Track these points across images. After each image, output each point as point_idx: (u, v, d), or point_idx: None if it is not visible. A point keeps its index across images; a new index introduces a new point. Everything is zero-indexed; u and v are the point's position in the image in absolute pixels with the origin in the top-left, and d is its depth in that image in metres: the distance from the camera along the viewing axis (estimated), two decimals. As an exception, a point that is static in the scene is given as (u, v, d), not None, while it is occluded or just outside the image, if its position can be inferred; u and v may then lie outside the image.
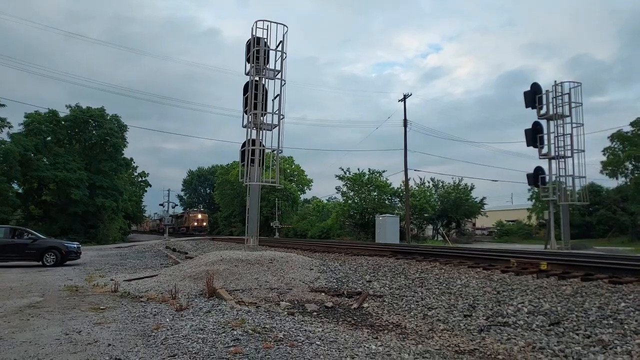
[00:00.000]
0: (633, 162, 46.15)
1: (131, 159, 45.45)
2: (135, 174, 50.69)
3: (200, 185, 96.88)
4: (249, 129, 14.40)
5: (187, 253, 17.73)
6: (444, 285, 7.42)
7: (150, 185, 53.23)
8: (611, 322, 4.60)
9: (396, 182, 43.06)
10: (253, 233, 13.63)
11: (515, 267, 8.22)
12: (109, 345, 4.34)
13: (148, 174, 52.58)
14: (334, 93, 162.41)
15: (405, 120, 34.68)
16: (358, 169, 41.82)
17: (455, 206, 41.62)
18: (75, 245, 15.44)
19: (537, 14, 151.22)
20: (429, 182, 44.49)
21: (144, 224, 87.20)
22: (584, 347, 4.08)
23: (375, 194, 41.22)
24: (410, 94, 35.61)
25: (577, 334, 4.41)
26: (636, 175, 45.62)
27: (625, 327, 4.41)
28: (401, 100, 35.26)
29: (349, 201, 41.64)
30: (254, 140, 14.27)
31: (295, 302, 6.96)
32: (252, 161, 13.92)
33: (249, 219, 13.90)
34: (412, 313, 6.06)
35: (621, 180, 47.86)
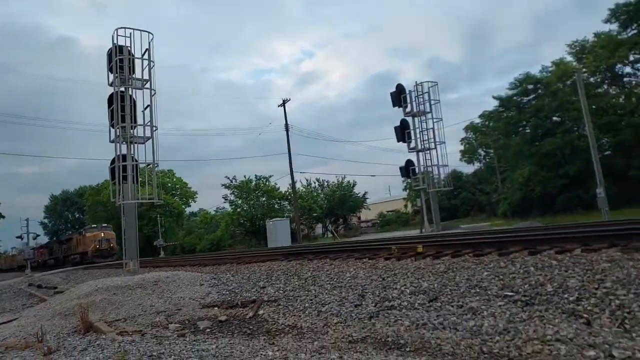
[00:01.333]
0: (484, 149, 53.22)
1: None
2: (-17, 205, 43.40)
3: (67, 209, 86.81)
4: (118, 144, 13.27)
5: (56, 287, 15.66)
6: (335, 279, 7.65)
7: (3, 217, 46.13)
8: (478, 290, 5.17)
9: (284, 185, 43.56)
10: (132, 255, 12.59)
11: (396, 253, 8.81)
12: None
13: (0, 203, 45.45)
14: (211, 101, 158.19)
15: (286, 124, 35.26)
16: (244, 176, 41.42)
17: (340, 203, 43.54)
18: None
19: (396, 20, 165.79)
20: (315, 183, 45.90)
21: (1, 261, 74.54)
22: (458, 316, 4.52)
23: (264, 199, 41.19)
24: (289, 99, 36.31)
25: (452, 306, 4.88)
26: (487, 160, 52.66)
27: (489, 292, 4.99)
28: (281, 105, 35.78)
29: (238, 209, 40.95)
30: (124, 156, 13.18)
31: (186, 322, 6.57)
32: (125, 178, 12.85)
33: (126, 241, 12.80)
34: (306, 312, 6.12)
35: (477, 165, 54.93)
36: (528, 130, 36.69)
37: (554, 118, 35.15)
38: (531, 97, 36.39)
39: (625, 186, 28.52)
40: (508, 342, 3.78)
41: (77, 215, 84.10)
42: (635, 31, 31.74)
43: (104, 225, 43.82)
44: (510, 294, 4.76)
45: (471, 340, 3.97)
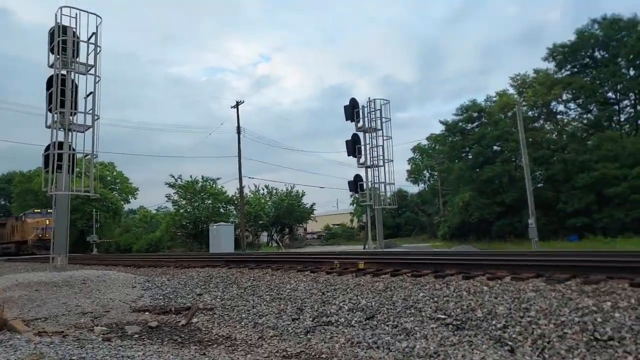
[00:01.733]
0: (429, 171, 55.28)
1: None
2: None
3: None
4: (55, 130, 12.46)
5: (-31, 279, 14.34)
6: (275, 291, 7.57)
7: None
8: (413, 311, 5.31)
9: (231, 189, 42.79)
10: (61, 250, 11.80)
11: (338, 267, 8.88)
12: None
13: None
14: (161, 94, 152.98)
15: (238, 127, 34.82)
16: (190, 176, 40.25)
17: (288, 213, 43.37)
18: None
19: (355, 34, 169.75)
20: (263, 190, 45.45)
21: None
22: (392, 336, 4.60)
23: (209, 202, 40.20)
24: (243, 101, 35.95)
25: (387, 325, 4.97)
26: (431, 182, 54.69)
27: (423, 314, 5.14)
28: (234, 107, 35.29)
29: (181, 210, 39.67)
30: (61, 143, 12.39)
31: (114, 326, 6.23)
32: (60, 167, 12.06)
33: (55, 234, 11.99)
34: (242, 323, 6.00)
35: (421, 186, 56.88)
36: (470, 157, 38.55)
37: (495, 147, 37.20)
38: (475, 124, 38.36)
39: (553, 218, 30.62)
40: (437, 364, 3.89)
41: (2, 202, 77.90)
42: (568, 72, 34.56)
43: (49, 211, 35.55)
44: (442, 316, 4.92)
45: (403, 361, 4.05)
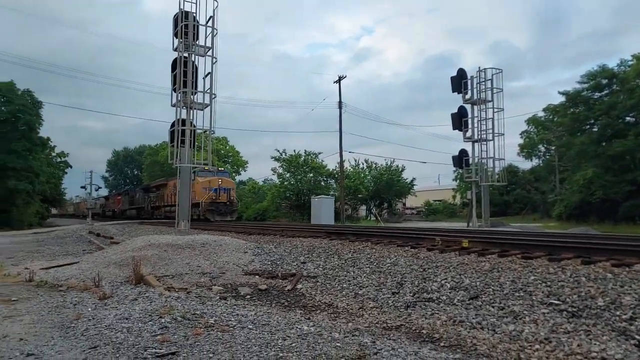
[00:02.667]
0: (545, 145, 50.41)
1: (48, 138, 41.93)
2: (54, 154, 46.88)
3: (127, 166, 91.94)
4: (179, 108, 13.79)
5: (112, 238, 16.79)
6: (375, 264, 7.68)
7: (71, 167, 49.64)
8: (522, 294, 5.02)
9: (331, 163, 43.70)
10: (184, 216, 13.22)
11: (440, 245, 8.68)
12: (21, 339, 4.01)
13: (68, 154, 48.87)
14: (266, 72, 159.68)
15: (340, 102, 35.06)
16: (294, 151, 41.83)
17: (387, 187, 43.10)
18: (-17, 232, 13.99)
19: (460, 1, 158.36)
20: (363, 164, 45.60)
21: (64, 208, 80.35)
22: (498, 318, 4.42)
23: (311, 175, 41.55)
24: (345, 76, 35.97)
25: (493, 307, 4.77)
26: (547, 157, 49.92)
27: (533, 298, 4.83)
28: (336, 82, 35.53)
29: (285, 182, 41.62)
30: (184, 120, 13.71)
31: (228, 286, 6.88)
32: (183, 142, 13.40)
33: (179, 202, 13.42)
34: (344, 292, 6.22)
35: (535, 161, 52.23)
36: (596, 129, 34.26)
37: (628, 118, 32.57)
38: (604, 92, 33.79)
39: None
40: (548, 352, 3.67)
41: (135, 172, 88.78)
42: None
43: (220, 169, 31.53)
44: (556, 302, 4.59)
45: (509, 344, 3.88)
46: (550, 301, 4.63)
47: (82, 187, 48.30)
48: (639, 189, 29.36)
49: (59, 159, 48.17)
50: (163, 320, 4.54)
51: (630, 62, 33.38)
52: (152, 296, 5.86)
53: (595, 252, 6.49)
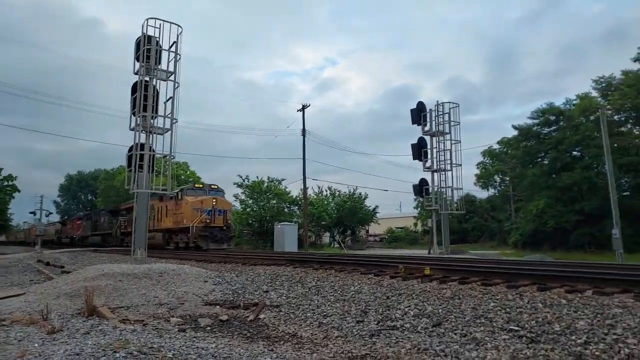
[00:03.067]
0: (500, 176, 52.65)
1: (-5, 161, 39.77)
2: (0, 177, 44.41)
3: (81, 190, 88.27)
4: (138, 132, 13.48)
5: (63, 267, 15.88)
6: (339, 292, 7.63)
7: (19, 191, 47.12)
8: (483, 320, 5.11)
9: (295, 190, 43.63)
10: (141, 244, 12.72)
11: (403, 272, 8.75)
12: (-44, 381, 3.67)
13: (16, 177, 46.45)
14: (230, 98, 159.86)
15: (304, 130, 35.43)
16: (257, 177, 41.54)
17: (350, 214, 43.42)
18: None
19: (421, 36, 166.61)
20: (326, 191, 45.85)
21: (11, 235, 75.38)
22: (461, 345, 4.47)
23: (274, 202, 41.25)
24: (309, 105, 36.56)
25: (455, 334, 4.83)
26: (503, 187, 52.07)
27: (494, 324, 4.93)
28: (300, 110, 35.98)
29: (248, 209, 41.09)
30: (142, 145, 13.38)
31: (188, 317, 6.61)
32: (141, 167, 13.03)
33: (136, 229, 12.94)
34: (308, 322, 6.11)
35: (491, 191, 54.33)
36: (546, 162, 36.26)
37: (574, 152, 34.70)
38: (552, 128, 35.98)
39: (641, 229, 27.97)
40: (510, 378, 3.72)
41: (89, 197, 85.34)
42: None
43: (213, 187, 25.21)
44: (516, 328, 4.70)
45: (472, 371, 3.92)
46: (510, 327, 4.74)
47: (31, 213, 45.73)
48: (587, 219, 31.01)
49: (5, 183, 45.66)
50: (117, 355, 4.28)
51: (574, 101, 35.90)
52: (106, 329, 5.54)
53: (550, 279, 6.75)
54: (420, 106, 26.51)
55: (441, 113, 26.02)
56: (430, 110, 26.35)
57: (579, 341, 4.12)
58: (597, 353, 3.84)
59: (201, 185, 26.13)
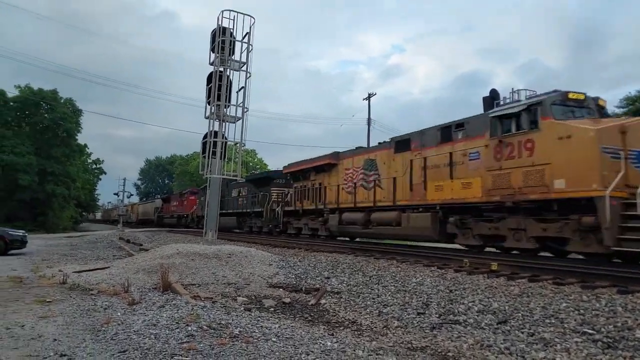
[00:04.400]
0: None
1: (85, 145, 43.65)
2: (89, 160, 48.72)
3: (158, 175, 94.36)
4: (212, 120, 14.14)
5: (141, 245, 17.22)
6: (400, 283, 7.59)
7: (105, 173, 51.42)
8: (553, 321, 4.86)
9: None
10: (212, 226, 13.43)
11: (467, 267, 8.51)
12: (55, 340, 4.16)
13: (103, 161, 50.69)
14: (294, 86, 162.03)
15: (369, 119, 35.16)
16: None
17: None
18: (21, 234, 14.63)
19: (494, 19, 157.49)
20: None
21: (106, 213, 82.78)
22: (527, 344, 4.29)
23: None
24: (375, 94, 36.19)
25: (522, 332, 4.63)
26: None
27: (565, 326, 4.67)
28: (365, 99, 35.68)
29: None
30: (216, 132, 14.03)
31: (253, 298, 6.92)
32: (214, 153, 13.70)
33: (208, 212, 13.66)
34: (368, 310, 6.16)
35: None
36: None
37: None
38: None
39: None
40: (581, 383, 3.52)
41: (166, 181, 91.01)
42: None
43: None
44: (590, 331, 4.42)
45: (539, 372, 3.76)
46: (584, 330, 4.46)
47: (115, 194, 49.75)
48: None
49: (94, 166, 50.00)
50: (189, 328, 4.61)
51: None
52: (179, 304, 5.97)
53: (632, 282, 6.23)
54: (493, 94, 24.98)
55: (517, 101, 24.59)
56: (504, 98, 24.96)
57: (663, 350, 3.79)
58: (684, 365, 3.52)
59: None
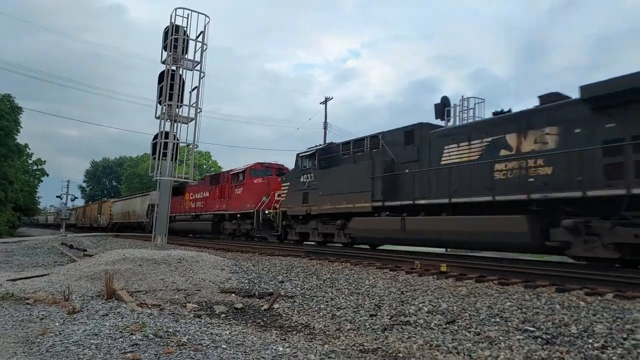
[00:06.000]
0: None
1: (26, 145, 41.03)
2: (30, 161, 45.83)
3: (105, 177, 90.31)
4: (163, 121, 13.69)
5: (85, 250, 16.35)
6: (353, 285, 7.64)
7: (47, 175, 48.56)
8: (498, 320, 5.05)
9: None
10: (162, 231, 12.97)
11: (418, 268, 8.71)
12: (-19, 355, 3.83)
13: (45, 161, 47.86)
14: (249, 88, 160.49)
15: (325, 122, 35.41)
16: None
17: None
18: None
19: (447, 29, 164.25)
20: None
21: (57, 216, 76.99)
22: (474, 343, 4.43)
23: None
24: (332, 98, 36.45)
25: (469, 332, 4.78)
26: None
27: (509, 324, 4.87)
28: (322, 102, 35.91)
29: (266, 200, 41.31)
30: (167, 133, 13.60)
31: (204, 304, 6.73)
32: (165, 155, 13.26)
33: (157, 216, 13.20)
34: (321, 313, 6.14)
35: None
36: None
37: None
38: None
39: None
40: (523, 378, 3.67)
41: (113, 184, 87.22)
42: None
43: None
44: (531, 328, 4.63)
45: (484, 370, 3.88)
46: (525, 327, 4.67)
47: (57, 197, 47.00)
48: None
49: (35, 167, 47.10)
50: (134, 337, 4.40)
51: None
52: (124, 312, 5.69)
53: (569, 281, 6.61)
54: (445, 101, 25.97)
55: (466, 108, 25.56)
56: (455, 105, 25.92)
57: (596, 345, 4.03)
58: (614, 358, 3.76)
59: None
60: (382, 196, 12.49)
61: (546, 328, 4.60)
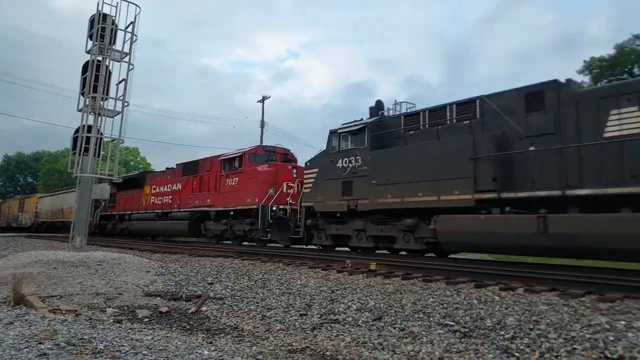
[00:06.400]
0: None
1: None
2: None
3: (20, 173, 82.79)
4: (85, 114, 12.80)
5: (-7, 253, 14.86)
6: (285, 285, 7.62)
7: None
8: (421, 315, 5.28)
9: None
10: (80, 231, 12.11)
11: (349, 267, 8.88)
12: None
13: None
14: (184, 84, 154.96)
15: (262, 121, 35.12)
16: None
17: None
18: None
19: (384, 35, 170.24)
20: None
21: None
22: (398, 339, 4.58)
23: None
24: (269, 97, 36.22)
25: (394, 328, 4.95)
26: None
27: (431, 319, 5.10)
28: (260, 101, 35.58)
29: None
30: (90, 127, 12.73)
31: (125, 308, 6.36)
32: (87, 150, 12.39)
33: (76, 215, 12.31)
34: (251, 315, 6.06)
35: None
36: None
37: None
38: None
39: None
40: (441, 370, 3.86)
41: (29, 180, 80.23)
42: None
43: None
44: (451, 323, 4.88)
45: (407, 364, 4.03)
46: (446, 322, 4.92)
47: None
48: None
49: None
50: (42, 346, 4.04)
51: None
52: (33, 319, 5.22)
53: (486, 277, 7.06)
54: (379, 105, 26.77)
55: (398, 112, 26.56)
56: (388, 109, 26.81)
57: (507, 336, 4.34)
58: (521, 347, 4.06)
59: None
60: (495, 185, 8.62)
61: (464, 322, 4.88)
